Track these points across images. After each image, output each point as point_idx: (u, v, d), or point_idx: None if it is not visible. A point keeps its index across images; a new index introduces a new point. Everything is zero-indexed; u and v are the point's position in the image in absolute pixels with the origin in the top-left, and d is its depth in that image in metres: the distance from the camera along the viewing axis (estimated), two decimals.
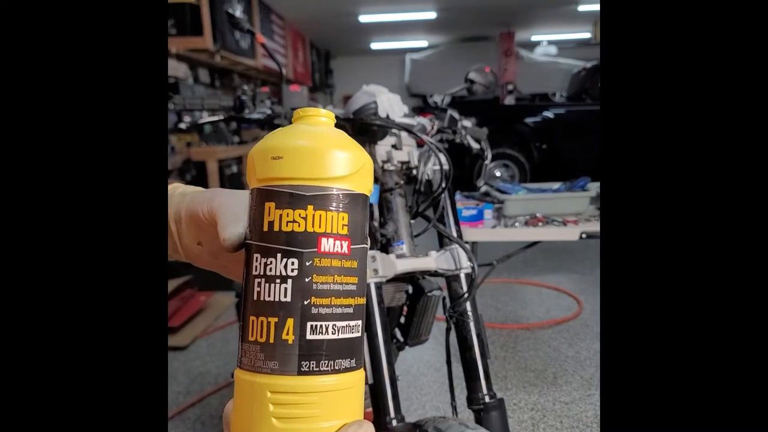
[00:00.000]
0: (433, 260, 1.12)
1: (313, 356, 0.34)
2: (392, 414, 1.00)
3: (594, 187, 2.19)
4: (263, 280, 0.34)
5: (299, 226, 0.34)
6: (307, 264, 0.34)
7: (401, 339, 1.27)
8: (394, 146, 1.16)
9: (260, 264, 0.35)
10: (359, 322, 0.36)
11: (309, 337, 0.34)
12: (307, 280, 0.34)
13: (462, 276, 1.14)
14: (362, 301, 0.36)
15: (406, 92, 9.22)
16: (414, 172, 1.18)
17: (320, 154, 0.35)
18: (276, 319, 0.34)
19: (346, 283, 0.35)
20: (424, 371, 2.21)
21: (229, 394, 2.10)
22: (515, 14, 7.48)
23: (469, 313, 1.13)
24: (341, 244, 0.35)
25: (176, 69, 3.98)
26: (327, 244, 0.34)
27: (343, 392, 0.34)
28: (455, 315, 1.13)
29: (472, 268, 1.13)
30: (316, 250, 0.34)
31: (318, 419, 0.33)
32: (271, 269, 0.34)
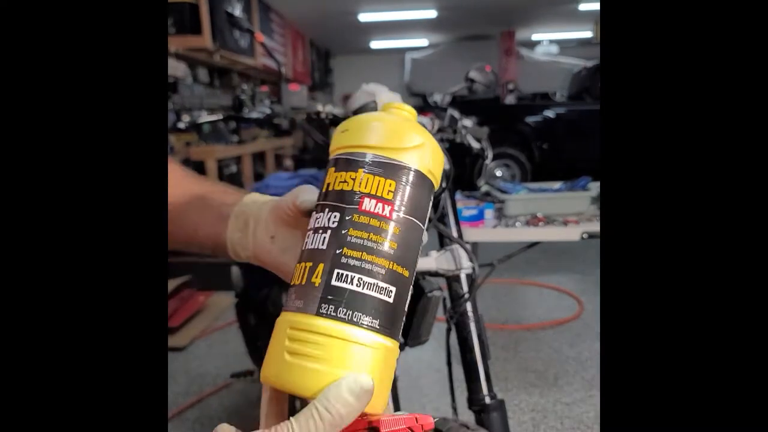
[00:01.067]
0: (434, 260, 1.11)
1: (333, 301, 0.35)
2: None
3: (595, 187, 2.17)
4: (312, 231, 0.38)
5: (348, 185, 0.37)
6: (347, 218, 0.36)
7: (401, 340, 1.26)
8: None
9: (314, 220, 0.38)
10: (393, 289, 0.36)
11: (333, 282, 0.35)
12: (343, 231, 0.36)
13: (462, 276, 1.13)
14: (402, 271, 0.37)
15: (406, 91, 9.20)
16: None
17: (377, 126, 0.39)
18: (311, 264, 0.36)
19: (382, 243, 0.36)
20: (424, 372, 2.20)
21: (229, 395, 2.10)
22: (516, 13, 7.47)
23: (470, 314, 1.12)
24: (383, 207, 0.37)
25: (175, 68, 3.97)
26: (368, 204, 0.36)
27: (357, 346, 0.34)
28: (456, 316, 1.12)
29: (473, 268, 1.12)
30: (357, 207, 0.36)
31: (324, 362, 0.34)
32: (319, 221, 0.38)
